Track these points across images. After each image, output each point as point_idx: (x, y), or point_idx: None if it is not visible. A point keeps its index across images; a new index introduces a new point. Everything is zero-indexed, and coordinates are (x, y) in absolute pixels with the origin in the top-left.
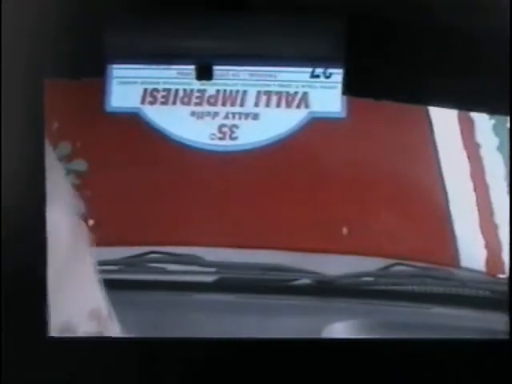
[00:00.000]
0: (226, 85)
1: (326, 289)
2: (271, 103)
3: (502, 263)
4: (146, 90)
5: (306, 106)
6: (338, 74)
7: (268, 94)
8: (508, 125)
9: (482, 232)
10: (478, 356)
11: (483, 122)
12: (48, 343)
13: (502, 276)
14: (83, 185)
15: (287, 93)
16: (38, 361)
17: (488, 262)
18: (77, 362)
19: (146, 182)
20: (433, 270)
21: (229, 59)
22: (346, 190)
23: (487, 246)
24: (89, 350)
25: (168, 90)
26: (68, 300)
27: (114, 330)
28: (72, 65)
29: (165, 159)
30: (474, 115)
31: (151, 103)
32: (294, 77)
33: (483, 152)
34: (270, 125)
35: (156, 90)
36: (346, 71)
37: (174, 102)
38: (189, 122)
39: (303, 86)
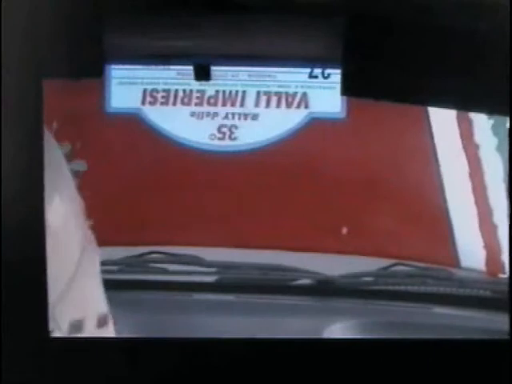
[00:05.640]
0: (225, 85)
1: (326, 289)
2: (271, 104)
3: (502, 263)
4: (145, 90)
5: (306, 107)
6: (336, 75)
7: (267, 94)
8: (507, 125)
9: (482, 232)
10: (477, 356)
11: (482, 122)
12: (48, 343)
13: (501, 276)
14: (83, 185)
15: (286, 93)
16: (38, 361)
17: (488, 262)
18: (77, 361)
19: (146, 182)
20: (433, 270)
21: (227, 60)
22: (346, 190)
23: (487, 245)
24: (89, 350)
25: (168, 91)
26: (77, 303)
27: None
28: (71, 65)
29: (165, 159)
30: (473, 115)
31: (151, 104)
32: (293, 77)
33: (482, 152)
34: (269, 125)
35: (156, 90)
36: (343, 72)
37: (174, 103)
38: (189, 122)
39: (302, 87)
